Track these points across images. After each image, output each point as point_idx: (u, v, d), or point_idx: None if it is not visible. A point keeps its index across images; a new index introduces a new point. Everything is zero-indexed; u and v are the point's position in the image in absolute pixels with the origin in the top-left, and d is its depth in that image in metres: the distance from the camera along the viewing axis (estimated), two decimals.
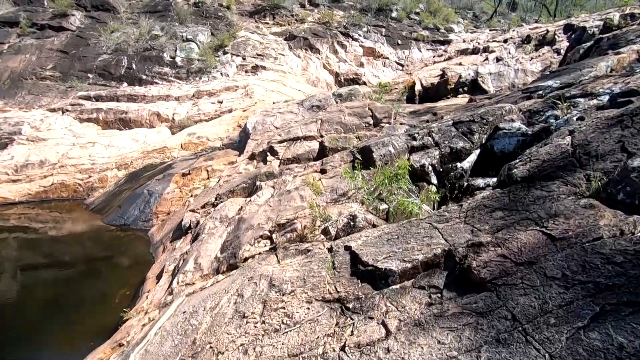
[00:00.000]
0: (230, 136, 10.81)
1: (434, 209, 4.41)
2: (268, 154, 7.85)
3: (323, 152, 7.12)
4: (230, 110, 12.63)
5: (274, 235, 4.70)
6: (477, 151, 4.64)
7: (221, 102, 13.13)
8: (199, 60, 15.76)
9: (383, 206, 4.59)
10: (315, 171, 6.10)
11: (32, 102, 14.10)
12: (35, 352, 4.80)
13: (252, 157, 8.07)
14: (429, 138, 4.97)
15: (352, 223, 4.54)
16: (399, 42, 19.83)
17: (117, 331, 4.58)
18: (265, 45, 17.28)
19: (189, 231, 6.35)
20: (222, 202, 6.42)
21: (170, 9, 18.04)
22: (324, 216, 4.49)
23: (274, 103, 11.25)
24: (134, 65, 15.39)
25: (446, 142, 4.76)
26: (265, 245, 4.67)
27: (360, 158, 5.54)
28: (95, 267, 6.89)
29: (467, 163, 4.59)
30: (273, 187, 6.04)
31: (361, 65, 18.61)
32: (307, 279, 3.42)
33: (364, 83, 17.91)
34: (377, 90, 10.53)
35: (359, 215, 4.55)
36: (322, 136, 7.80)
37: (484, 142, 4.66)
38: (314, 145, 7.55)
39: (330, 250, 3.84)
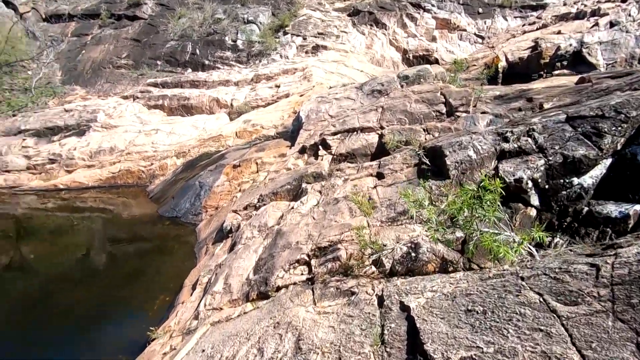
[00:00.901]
0: (284, 124, 9.97)
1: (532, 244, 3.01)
2: (320, 147, 6.82)
3: (382, 149, 5.88)
4: (287, 95, 11.77)
5: (312, 262, 3.71)
6: (608, 162, 3.09)
7: (278, 87, 12.32)
8: (259, 42, 15.07)
9: (458, 234, 3.32)
10: (371, 175, 4.92)
11: (109, 89, 14.69)
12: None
13: (302, 150, 7.11)
14: (529, 140, 3.49)
15: (413, 254, 3.36)
16: (480, 10, 17.06)
17: (140, 356, 4.06)
18: (327, 23, 15.97)
19: (229, 235, 5.67)
20: (264, 204, 5.59)
21: None
22: (375, 245, 3.37)
23: (330, 88, 10.10)
24: (197, 51, 15.22)
25: (557, 147, 3.26)
26: (302, 274, 3.71)
27: (428, 164, 4.24)
28: (143, 263, 6.61)
29: (589, 179, 3.09)
30: (320, 193, 5.03)
31: (433, 39, 16.40)
32: (343, 351, 2.37)
33: (436, 61, 15.82)
34: (451, 69, 8.78)
35: (424, 245, 3.34)
36: (382, 128, 6.52)
37: (619, 148, 3.09)
38: (372, 138, 6.32)
39: (380, 302, 2.74)
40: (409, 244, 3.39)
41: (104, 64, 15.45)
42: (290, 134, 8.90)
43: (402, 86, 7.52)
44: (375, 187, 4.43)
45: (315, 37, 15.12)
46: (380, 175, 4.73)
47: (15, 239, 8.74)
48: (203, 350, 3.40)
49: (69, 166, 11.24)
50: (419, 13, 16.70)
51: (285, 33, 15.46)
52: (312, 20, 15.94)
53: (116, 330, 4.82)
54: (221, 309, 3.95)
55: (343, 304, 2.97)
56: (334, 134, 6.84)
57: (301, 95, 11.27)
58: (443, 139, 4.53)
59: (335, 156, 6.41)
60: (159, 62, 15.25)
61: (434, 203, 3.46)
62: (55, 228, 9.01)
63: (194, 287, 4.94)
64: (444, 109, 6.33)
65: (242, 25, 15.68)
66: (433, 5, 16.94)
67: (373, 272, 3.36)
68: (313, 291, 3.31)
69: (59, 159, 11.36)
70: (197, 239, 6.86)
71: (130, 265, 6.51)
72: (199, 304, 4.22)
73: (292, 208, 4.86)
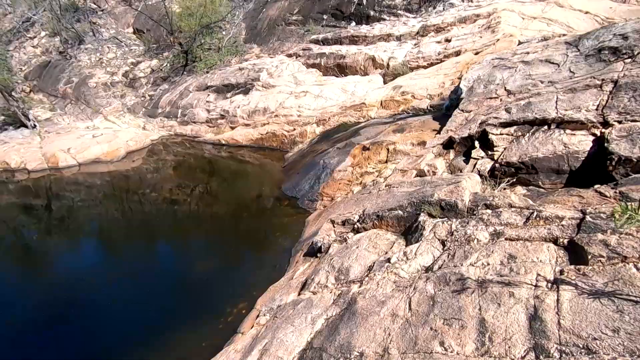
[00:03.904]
0: (443, 94, 7.29)
1: None
2: (476, 143, 4.23)
3: (597, 166, 2.95)
4: (457, 53, 8.70)
5: None
6: None
7: (448, 41, 9.27)
8: None
9: None
10: (553, 239, 2.32)
11: (278, 47, 14.70)
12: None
13: (449, 144, 4.64)
14: None
15: None
16: None
17: None
18: None
19: (318, 254, 4.16)
20: (363, 228, 3.74)
21: None
22: None
23: (519, 43, 6.54)
24: (364, 0, 13.22)
25: None
26: None
27: None
28: (241, 256, 5.99)
29: None
30: (442, 244, 2.80)
31: None
32: None
33: None
34: None
35: None
36: (605, 123, 3.38)
37: None
38: (580, 142, 3.35)
39: None
40: None
41: (278, 21, 15.46)
42: (445, 111, 6.31)
43: None
44: (555, 285, 1.93)
45: None
46: (576, 253, 2.11)
47: (208, 174, 9.92)
48: None
49: (232, 123, 11.85)
50: None
51: None
52: None
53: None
54: None
55: None
56: (505, 124, 4.07)
57: (476, 53, 8.06)
58: None
59: (498, 165, 3.78)
60: (324, 17, 14.13)
61: None
62: (223, 171, 9.76)
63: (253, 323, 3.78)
64: None
65: None
66: None
67: None
68: None
69: (226, 115, 12.10)
70: (301, 236, 5.67)
71: (229, 256, 5.96)
72: None
73: (390, 261, 2.86)
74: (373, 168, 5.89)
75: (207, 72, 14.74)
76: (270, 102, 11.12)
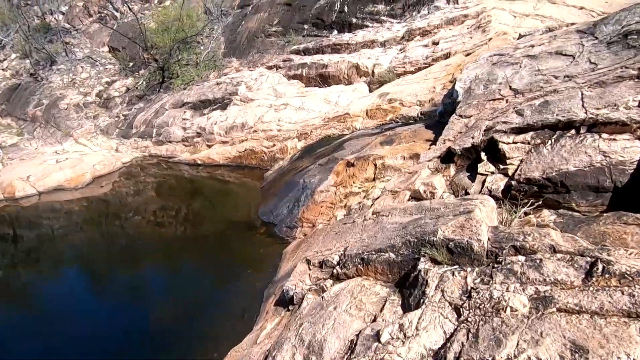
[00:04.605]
0: (434, 99, 6.47)
1: None
2: (483, 155, 3.34)
3: None
4: (447, 56, 7.95)
5: None
6: None
7: (436, 44, 8.54)
8: None
9: None
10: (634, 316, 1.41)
11: (258, 60, 13.94)
12: None
13: (448, 156, 3.76)
14: None
15: None
16: None
17: None
18: None
19: (289, 307, 3.18)
20: (344, 275, 2.79)
21: None
22: None
23: (519, 37, 5.76)
24: (345, 8, 12.55)
25: None
26: None
27: None
28: (208, 290, 4.96)
29: None
30: (456, 310, 1.86)
31: None
32: None
33: None
34: None
35: None
36: None
37: None
38: (624, 150, 2.48)
39: None
40: None
41: (257, 33, 14.74)
42: (438, 118, 5.46)
43: None
44: None
45: None
46: None
47: (178, 199, 8.86)
48: None
49: (209, 140, 10.91)
50: None
51: None
52: None
53: None
54: None
55: None
56: (518, 130, 3.19)
57: (467, 55, 7.30)
58: None
59: (515, 182, 2.88)
60: (305, 26, 13.43)
61: None
62: (195, 194, 8.73)
63: None
64: None
65: None
66: None
67: None
68: None
69: (203, 132, 11.17)
70: (275, 273, 4.67)
71: (192, 300, 4.91)
72: None
73: (379, 338, 1.91)
74: (359, 187, 4.97)
75: (184, 89, 13.87)
76: (249, 116, 10.24)
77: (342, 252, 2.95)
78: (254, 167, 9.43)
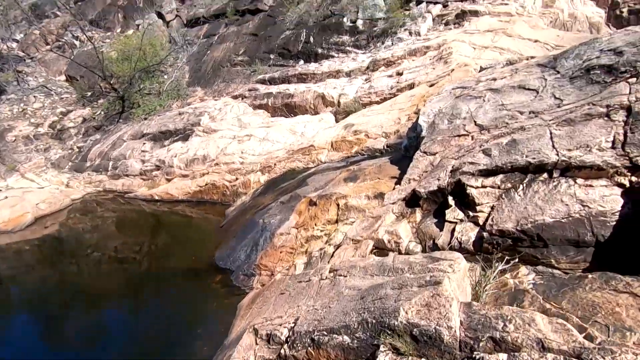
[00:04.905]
0: (400, 131, 6.24)
1: None
2: (450, 200, 2.99)
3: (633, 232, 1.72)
4: (411, 86, 7.87)
5: None
6: None
7: (400, 74, 8.49)
8: (383, 19, 11.38)
9: None
10: None
11: (223, 89, 13.57)
12: None
13: (413, 199, 3.39)
14: None
15: None
16: None
17: None
18: None
19: None
20: (295, 358, 2.27)
21: None
22: None
23: (481, 69, 5.73)
24: (311, 39, 12.56)
25: None
26: None
27: None
28: None
29: None
30: None
31: None
32: None
33: None
34: None
35: None
36: (634, 168, 2.25)
37: None
38: (603, 198, 2.17)
39: None
40: None
41: (223, 62, 14.45)
42: (404, 152, 5.17)
43: None
44: None
45: (461, 0, 10.45)
46: None
47: (128, 242, 7.87)
48: None
49: (169, 174, 10.21)
50: None
51: (418, 2, 11.29)
52: None
53: None
54: None
55: None
56: (487, 172, 2.88)
57: (431, 85, 7.22)
58: None
59: (487, 234, 2.52)
60: (271, 56, 13.29)
61: None
62: (148, 235, 7.82)
63: None
64: None
65: (365, 1, 12.22)
66: None
67: None
68: None
69: (162, 165, 10.47)
70: (227, 336, 4.02)
71: None
72: None
73: None
74: (321, 230, 4.50)
75: (145, 119, 13.20)
76: (211, 148, 9.69)
77: (292, 326, 2.43)
78: (215, 202, 8.79)
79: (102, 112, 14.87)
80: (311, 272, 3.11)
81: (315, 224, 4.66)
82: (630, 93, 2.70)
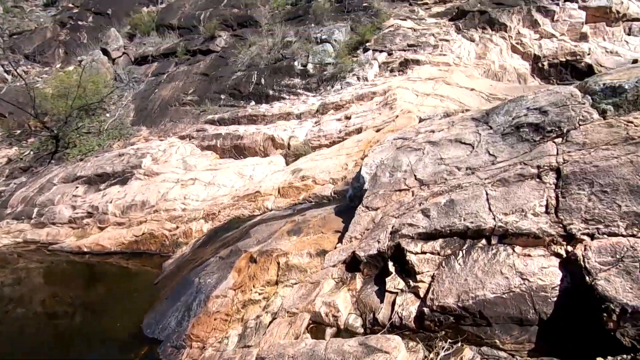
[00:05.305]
0: (347, 177, 6.09)
1: None
2: (391, 266, 2.73)
3: (583, 314, 1.53)
4: (359, 130, 7.92)
5: None
6: None
7: (349, 118, 8.57)
8: (332, 64, 11.71)
9: None
10: None
11: (170, 129, 12.96)
12: None
13: (354, 263, 3.11)
14: None
15: None
16: None
17: None
18: (420, 32, 11.81)
19: None
20: None
21: (310, 11, 14.75)
22: None
23: (420, 120, 5.87)
24: (262, 80, 12.57)
25: None
26: None
27: None
28: None
29: None
30: None
31: (582, 38, 10.84)
32: None
33: (589, 67, 10.33)
34: None
35: None
36: (568, 236, 2.14)
37: None
38: (542, 271, 2.00)
39: None
40: None
41: (171, 101, 13.95)
42: (349, 202, 4.95)
43: (603, 114, 2.94)
44: None
45: (405, 50, 11.08)
46: None
47: (44, 306, 6.58)
48: None
49: (102, 222, 9.20)
50: (557, 4, 11.35)
51: (365, 50, 11.82)
52: (401, 30, 11.97)
53: None
54: None
55: None
56: (426, 236, 2.68)
57: (378, 130, 7.29)
58: None
59: (429, 310, 2.26)
60: (222, 96, 13.05)
61: None
62: (69, 297, 6.66)
63: None
64: None
65: (315, 47, 12.58)
66: None
67: None
68: None
69: (95, 212, 9.44)
70: None
71: None
72: None
73: None
74: (259, 293, 4.04)
75: (81, 160, 12.13)
76: (151, 193, 8.95)
77: None
78: (153, 253, 7.95)
79: (32, 152, 13.52)
80: (271, 310, 2.62)
81: (254, 285, 4.20)
82: (557, 154, 2.71)
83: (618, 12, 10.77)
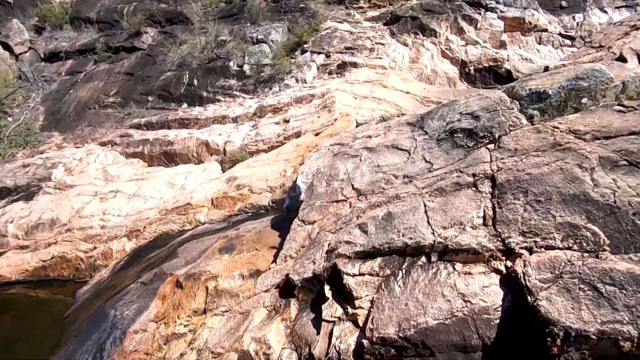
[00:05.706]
0: (285, 185, 5.73)
1: None
2: (327, 290, 2.43)
3: (526, 338, 1.36)
4: (298, 134, 7.61)
5: None
6: None
7: (287, 122, 8.22)
8: (270, 65, 11.25)
9: None
10: None
11: (88, 135, 11.49)
12: None
13: (288, 288, 2.76)
14: None
15: None
16: (564, 2, 12.22)
17: None
18: (357, 35, 11.87)
19: None
20: None
21: (245, 9, 14.11)
22: None
23: (357, 125, 5.75)
24: (195, 81, 11.69)
25: None
26: None
27: None
28: None
29: None
30: None
31: (502, 46, 11.71)
32: None
33: (508, 73, 11.17)
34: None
35: None
36: (507, 250, 2.02)
37: None
38: (483, 290, 1.82)
39: None
40: None
41: (89, 104, 12.40)
42: (286, 213, 4.60)
43: (530, 119, 2.94)
44: None
45: (342, 52, 11.03)
46: None
47: None
48: None
49: (0, 246, 7.77)
50: (479, 13, 12.14)
51: (303, 51, 11.55)
52: (338, 33, 11.92)
53: None
54: None
55: None
56: (364, 255, 2.43)
57: (317, 134, 7.04)
58: None
59: (368, 342, 1.99)
60: (150, 98, 11.90)
61: None
62: None
63: None
64: None
65: (251, 47, 12.02)
66: (498, 2, 12.31)
67: None
68: None
69: None
70: None
71: None
72: None
73: None
74: (185, 325, 3.51)
75: None
76: (63, 210, 7.75)
77: None
78: (66, 279, 6.87)
79: None
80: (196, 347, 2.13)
81: (179, 316, 3.64)
82: (491, 161, 2.63)
83: (530, 23, 11.82)
